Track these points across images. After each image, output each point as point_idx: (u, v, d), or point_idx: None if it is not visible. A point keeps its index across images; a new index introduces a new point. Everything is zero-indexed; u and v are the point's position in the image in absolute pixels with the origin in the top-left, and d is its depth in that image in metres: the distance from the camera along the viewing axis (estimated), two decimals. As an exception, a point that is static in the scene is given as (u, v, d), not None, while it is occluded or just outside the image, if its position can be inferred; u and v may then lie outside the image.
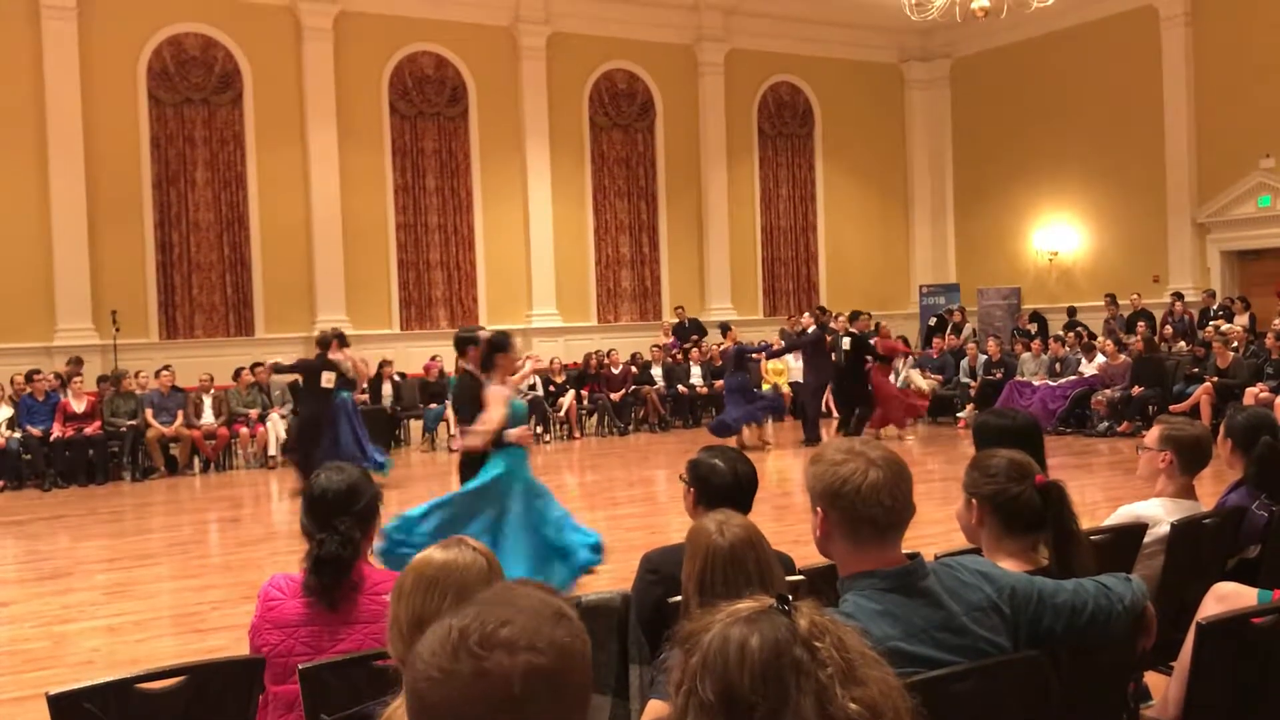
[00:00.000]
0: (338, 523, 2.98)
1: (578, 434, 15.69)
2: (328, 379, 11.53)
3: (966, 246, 21.30)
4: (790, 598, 1.42)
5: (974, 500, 2.79)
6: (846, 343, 14.16)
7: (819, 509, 2.25)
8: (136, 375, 13.82)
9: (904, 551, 2.28)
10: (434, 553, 2.26)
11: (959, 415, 15.78)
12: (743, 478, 3.42)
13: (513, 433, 6.15)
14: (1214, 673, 2.76)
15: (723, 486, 3.38)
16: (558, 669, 1.21)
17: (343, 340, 12.29)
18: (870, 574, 2.19)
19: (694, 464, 3.49)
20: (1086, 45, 18.56)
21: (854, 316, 14.91)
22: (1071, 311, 17.79)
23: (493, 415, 6.05)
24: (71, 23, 14.86)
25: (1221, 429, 4.28)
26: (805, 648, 1.35)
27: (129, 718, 2.62)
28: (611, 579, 6.94)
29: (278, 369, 12.36)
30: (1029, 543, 2.75)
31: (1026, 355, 15.82)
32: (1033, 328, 17.91)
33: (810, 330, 14.69)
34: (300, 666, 2.70)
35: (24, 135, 14.65)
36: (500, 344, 6.37)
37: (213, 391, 13.85)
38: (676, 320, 18.32)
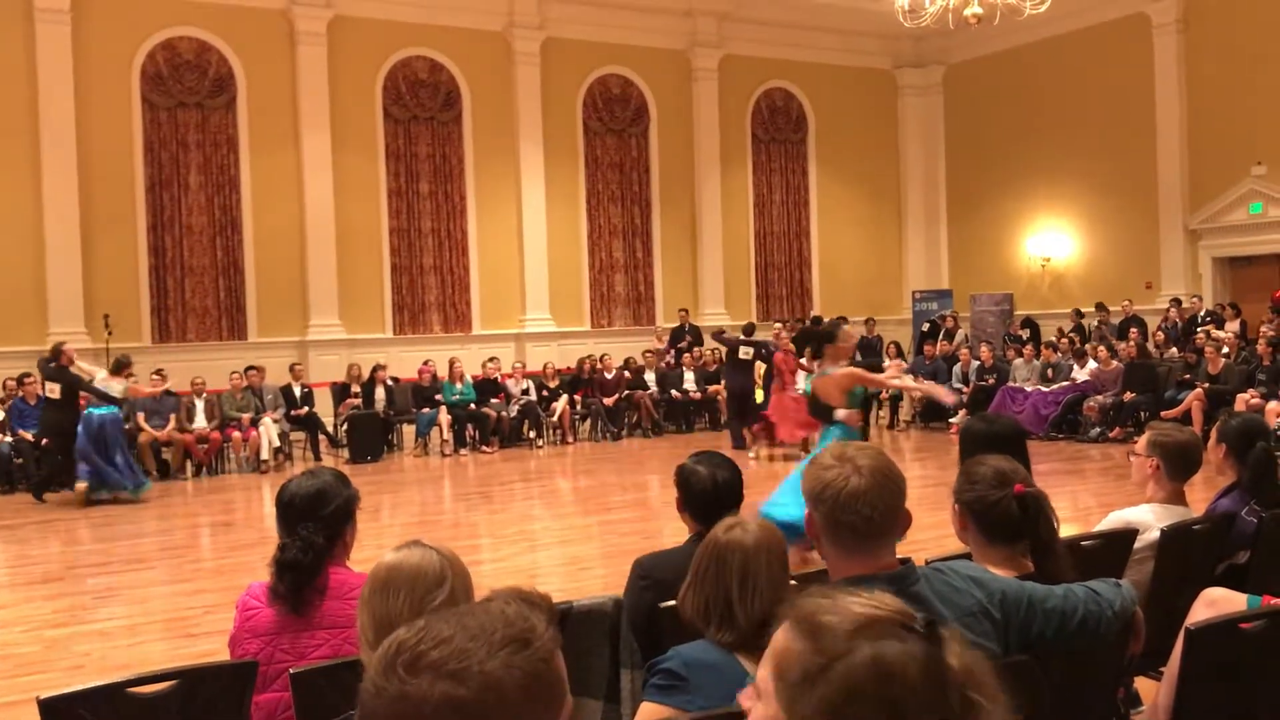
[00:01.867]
0: (302, 528, 2.99)
1: (571, 439, 15.67)
2: (50, 389, 11.68)
3: (959, 252, 21.34)
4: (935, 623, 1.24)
5: (957, 506, 2.81)
6: (748, 352, 14.09)
7: (808, 511, 2.27)
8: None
9: (896, 556, 2.30)
10: (385, 556, 2.27)
11: (951, 421, 15.78)
12: (721, 485, 3.46)
13: (841, 413, 7.07)
14: (1203, 678, 2.77)
15: (701, 493, 3.44)
16: (478, 703, 1.14)
17: (118, 367, 12.00)
18: (859, 578, 2.20)
19: (679, 469, 3.57)
20: (1079, 52, 18.61)
21: (749, 329, 14.98)
22: (1078, 314, 17.81)
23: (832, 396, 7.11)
24: (65, 26, 14.83)
25: (1214, 434, 4.25)
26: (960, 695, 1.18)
27: (120, 722, 2.61)
28: (604, 584, 6.97)
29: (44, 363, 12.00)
30: (1014, 550, 2.76)
31: (1019, 361, 15.84)
32: (1025, 334, 17.94)
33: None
34: (291, 671, 2.69)
35: (17, 138, 14.62)
36: (827, 335, 7.54)
37: (205, 395, 13.83)
38: (679, 323, 18.17)
